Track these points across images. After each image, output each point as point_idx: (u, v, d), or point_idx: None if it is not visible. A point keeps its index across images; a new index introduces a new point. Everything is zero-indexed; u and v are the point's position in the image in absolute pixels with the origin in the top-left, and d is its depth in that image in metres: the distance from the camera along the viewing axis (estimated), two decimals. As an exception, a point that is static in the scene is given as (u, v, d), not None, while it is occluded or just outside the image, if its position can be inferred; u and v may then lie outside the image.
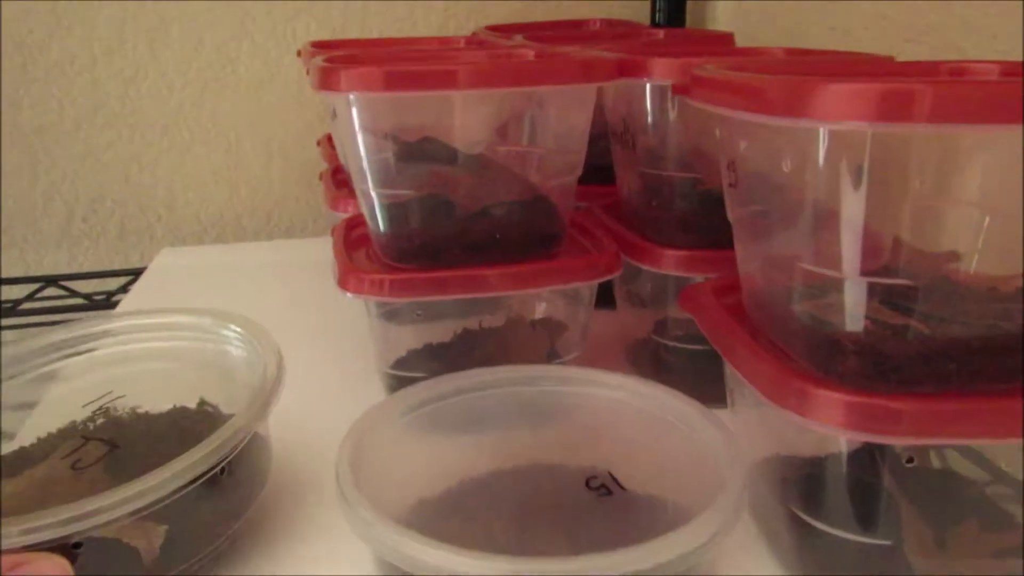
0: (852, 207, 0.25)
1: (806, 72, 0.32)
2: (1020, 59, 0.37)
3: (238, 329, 0.37)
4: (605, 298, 0.52)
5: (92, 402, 0.35)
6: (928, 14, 0.48)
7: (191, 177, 0.79)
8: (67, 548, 0.25)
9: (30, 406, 0.36)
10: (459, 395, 0.36)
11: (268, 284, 0.66)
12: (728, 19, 0.75)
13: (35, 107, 0.74)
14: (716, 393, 0.36)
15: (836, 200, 0.26)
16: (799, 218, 0.27)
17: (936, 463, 0.33)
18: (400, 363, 0.46)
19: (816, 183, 0.26)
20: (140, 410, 0.35)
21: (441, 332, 0.47)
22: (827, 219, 0.27)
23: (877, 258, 0.29)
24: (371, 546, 0.26)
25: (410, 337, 0.47)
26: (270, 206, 0.81)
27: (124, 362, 0.39)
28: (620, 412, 0.35)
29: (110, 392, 0.36)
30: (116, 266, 0.78)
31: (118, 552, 0.27)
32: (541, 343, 0.47)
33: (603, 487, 0.29)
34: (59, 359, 0.37)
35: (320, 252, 0.63)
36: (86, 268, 0.78)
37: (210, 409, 0.35)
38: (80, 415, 0.35)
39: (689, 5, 0.77)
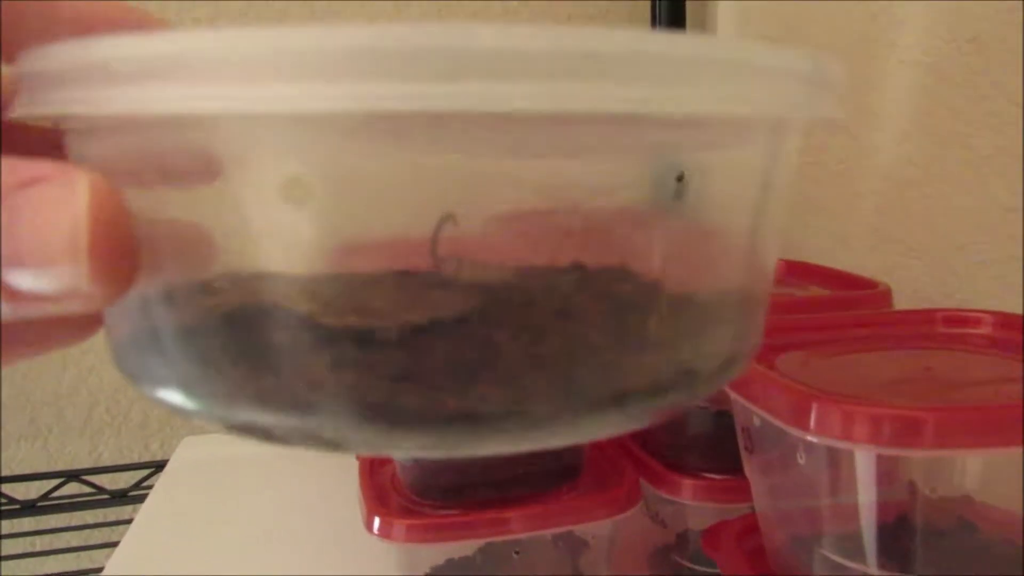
0: (867, 508, 0.26)
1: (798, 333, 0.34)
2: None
3: None
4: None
5: None
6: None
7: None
8: None
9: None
10: None
11: (288, 481, 0.67)
12: (729, 20, 0.78)
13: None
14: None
15: (851, 491, 0.27)
16: (812, 496, 0.28)
17: None
18: (425, 589, 0.46)
19: (827, 481, 0.27)
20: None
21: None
22: (842, 502, 0.28)
23: (892, 491, 0.31)
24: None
25: (432, 549, 0.47)
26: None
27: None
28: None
29: None
30: (136, 456, 0.79)
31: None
32: (564, 562, 0.47)
33: None
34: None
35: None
36: (106, 457, 0.79)
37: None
38: None
39: (689, 5, 0.80)
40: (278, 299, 0.13)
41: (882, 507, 0.30)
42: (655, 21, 0.81)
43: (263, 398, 0.14)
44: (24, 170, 0.13)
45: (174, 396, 0.15)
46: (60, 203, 0.12)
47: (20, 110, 0.14)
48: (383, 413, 0.13)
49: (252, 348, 0.14)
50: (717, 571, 0.45)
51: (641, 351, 0.14)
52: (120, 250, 0.13)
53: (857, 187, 0.56)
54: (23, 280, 0.13)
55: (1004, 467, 0.31)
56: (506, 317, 0.13)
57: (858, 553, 0.28)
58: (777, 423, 0.26)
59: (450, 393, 0.13)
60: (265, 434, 0.14)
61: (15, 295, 0.13)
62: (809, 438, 0.25)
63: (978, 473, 0.31)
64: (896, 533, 0.30)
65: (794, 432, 0.26)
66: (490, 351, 0.13)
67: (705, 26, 0.83)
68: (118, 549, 0.57)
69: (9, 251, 0.12)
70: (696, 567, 0.46)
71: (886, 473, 0.29)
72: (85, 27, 0.16)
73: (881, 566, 0.28)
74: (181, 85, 0.12)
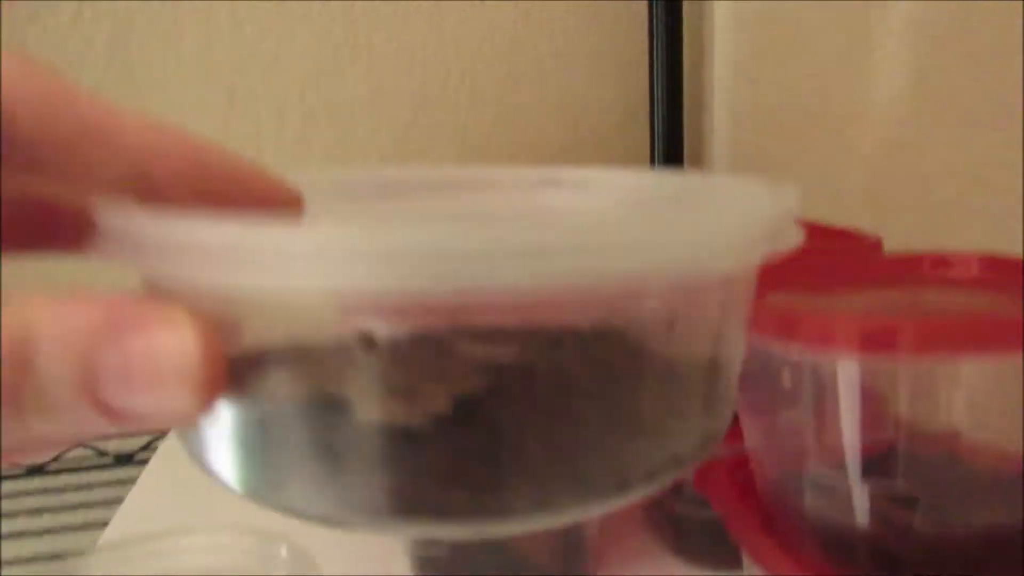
0: (850, 422, 0.27)
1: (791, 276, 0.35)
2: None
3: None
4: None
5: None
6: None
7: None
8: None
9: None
10: None
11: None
12: (724, 20, 0.78)
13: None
14: (733, 557, 0.37)
15: (835, 411, 0.28)
16: (799, 422, 0.29)
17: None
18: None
19: (812, 395, 0.28)
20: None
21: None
22: (827, 423, 0.29)
23: (879, 432, 0.31)
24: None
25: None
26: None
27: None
28: None
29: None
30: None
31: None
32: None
33: None
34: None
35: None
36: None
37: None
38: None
39: (686, 6, 0.80)
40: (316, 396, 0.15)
41: (868, 447, 0.30)
42: (652, 22, 0.81)
43: (303, 494, 0.15)
44: (133, 313, 0.14)
45: (222, 479, 0.17)
46: (172, 347, 0.14)
47: (107, 256, 0.16)
48: (422, 514, 0.15)
49: (291, 447, 0.15)
50: (712, 516, 0.46)
51: (636, 438, 0.16)
52: (218, 379, 0.14)
53: (851, 147, 0.57)
54: (130, 403, 0.14)
55: (991, 400, 0.31)
56: (520, 404, 0.15)
57: (844, 474, 0.29)
58: (763, 343, 0.27)
59: (486, 491, 0.15)
60: (304, 517, 0.16)
61: (119, 415, 0.14)
62: (793, 354, 0.26)
63: (964, 407, 0.32)
64: (884, 464, 0.31)
65: (778, 348, 0.26)
66: (516, 448, 0.15)
67: (702, 25, 0.84)
68: (123, 505, 0.59)
69: (122, 388, 0.14)
70: (691, 514, 0.47)
71: (872, 416, 0.30)
72: (147, 155, 0.17)
73: (866, 483, 0.29)
74: (261, 272, 0.13)
